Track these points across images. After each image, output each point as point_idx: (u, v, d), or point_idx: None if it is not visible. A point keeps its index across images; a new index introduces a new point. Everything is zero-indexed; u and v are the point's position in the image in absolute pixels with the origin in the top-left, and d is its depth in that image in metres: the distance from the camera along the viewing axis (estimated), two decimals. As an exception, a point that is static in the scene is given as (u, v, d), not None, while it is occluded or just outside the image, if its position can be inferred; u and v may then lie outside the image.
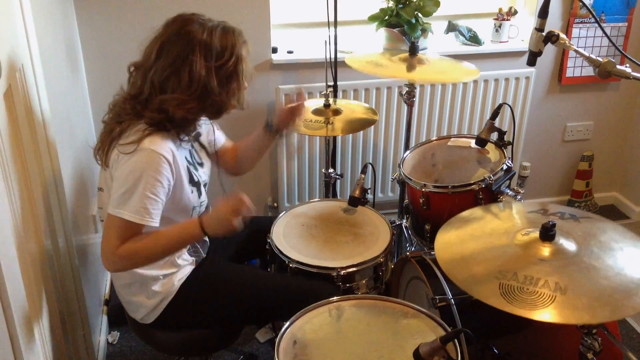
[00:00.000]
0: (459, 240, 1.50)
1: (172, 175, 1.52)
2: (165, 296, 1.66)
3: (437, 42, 2.87)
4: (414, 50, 2.25)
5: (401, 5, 2.69)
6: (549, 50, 2.66)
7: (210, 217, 1.52)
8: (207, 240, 1.83)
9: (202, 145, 1.78)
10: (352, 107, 2.38)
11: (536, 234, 1.41)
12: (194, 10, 1.58)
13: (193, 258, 1.73)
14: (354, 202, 2.02)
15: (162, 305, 1.66)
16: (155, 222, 1.49)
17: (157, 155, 1.47)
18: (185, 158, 1.64)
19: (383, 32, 2.75)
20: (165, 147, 1.50)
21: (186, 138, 1.61)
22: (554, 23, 2.87)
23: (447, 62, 2.32)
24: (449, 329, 1.39)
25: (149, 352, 2.34)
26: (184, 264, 1.70)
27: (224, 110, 1.61)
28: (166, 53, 1.51)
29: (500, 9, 2.88)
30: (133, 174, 1.46)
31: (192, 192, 1.63)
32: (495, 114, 2.10)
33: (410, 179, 2.06)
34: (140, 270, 1.63)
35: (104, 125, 1.61)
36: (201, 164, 1.74)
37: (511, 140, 2.14)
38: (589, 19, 2.88)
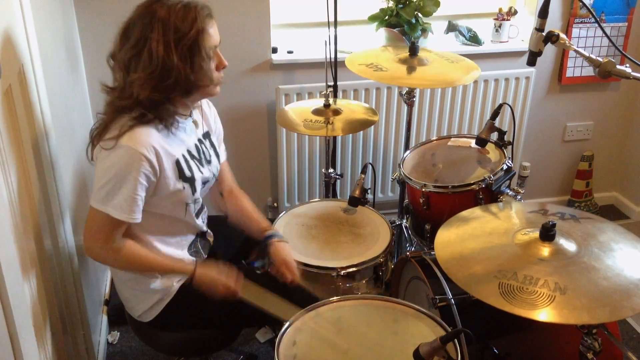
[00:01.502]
0: (459, 240, 1.50)
1: (153, 171, 1.49)
2: (164, 296, 1.66)
3: (437, 42, 2.87)
4: (414, 50, 2.26)
5: (401, 5, 2.69)
6: (549, 50, 2.66)
7: (205, 279, 1.62)
8: (210, 240, 1.84)
9: (212, 144, 1.77)
10: (352, 107, 2.39)
11: (536, 234, 1.41)
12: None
13: (194, 259, 1.73)
14: (354, 202, 2.02)
15: (161, 305, 1.66)
16: (137, 219, 1.51)
17: (135, 152, 1.45)
18: (188, 151, 1.62)
19: (383, 32, 2.75)
20: (145, 142, 1.47)
21: (176, 123, 1.56)
22: (554, 23, 2.87)
23: (447, 60, 2.32)
24: (449, 329, 1.39)
25: (149, 352, 2.34)
26: (185, 264, 1.70)
27: (194, 88, 1.54)
28: (130, 35, 1.49)
29: (500, 9, 2.88)
30: (112, 170, 1.46)
31: (183, 188, 1.59)
32: (495, 114, 2.10)
33: (410, 179, 2.06)
34: None
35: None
36: (209, 162, 1.73)
37: (511, 140, 2.15)
38: (589, 19, 2.88)
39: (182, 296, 1.67)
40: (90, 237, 1.53)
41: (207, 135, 1.75)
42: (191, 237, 1.74)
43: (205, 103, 1.79)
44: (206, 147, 1.72)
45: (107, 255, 1.56)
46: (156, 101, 1.50)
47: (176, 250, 1.68)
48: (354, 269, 1.80)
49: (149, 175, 1.49)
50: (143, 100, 1.48)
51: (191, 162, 1.63)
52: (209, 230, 1.83)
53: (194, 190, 1.63)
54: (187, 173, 1.60)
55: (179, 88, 1.52)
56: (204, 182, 1.70)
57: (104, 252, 1.55)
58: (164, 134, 1.54)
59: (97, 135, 1.51)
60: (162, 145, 1.52)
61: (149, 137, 1.49)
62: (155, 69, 1.46)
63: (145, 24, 1.47)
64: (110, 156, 1.46)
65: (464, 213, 1.63)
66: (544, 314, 1.21)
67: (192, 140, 1.66)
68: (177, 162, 1.57)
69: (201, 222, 1.75)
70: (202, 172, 1.67)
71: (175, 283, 1.67)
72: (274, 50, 2.69)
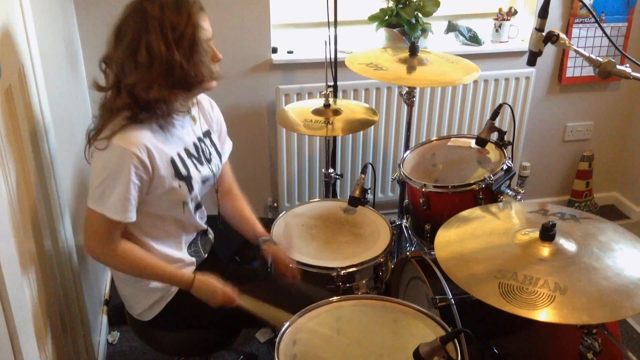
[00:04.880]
0: (459, 239, 1.50)
1: (145, 170, 1.49)
2: (164, 295, 1.66)
3: (437, 42, 2.87)
4: (414, 50, 2.25)
5: (401, 5, 2.69)
6: (549, 50, 2.66)
7: (203, 286, 1.61)
8: (210, 238, 1.83)
9: (213, 143, 1.77)
10: (352, 107, 2.39)
11: (536, 234, 1.41)
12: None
13: (194, 259, 1.73)
14: (354, 202, 2.02)
15: (161, 304, 1.66)
16: (131, 218, 1.51)
17: (126, 151, 1.45)
18: (185, 149, 1.62)
19: (383, 32, 2.75)
20: (135, 141, 1.47)
21: (172, 121, 1.57)
22: (554, 23, 2.88)
23: (447, 61, 2.32)
24: (449, 329, 1.39)
25: (149, 352, 2.34)
26: (184, 265, 1.70)
27: (195, 84, 1.55)
28: (123, 36, 1.48)
29: (500, 9, 2.88)
30: (105, 171, 1.46)
31: (179, 186, 1.59)
32: (495, 114, 2.10)
33: (411, 179, 2.06)
34: None
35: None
36: (209, 160, 1.73)
37: (511, 140, 2.15)
38: (589, 19, 2.88)
39: (183, 296, 1.67)
40: (90, 237, 1.53)
41: (207, 133, 1.75)
42: (191, 236, 1.74)
43: (208, 102, 1.79)
44: (206, 146, 1.72)
45: (108, 256, 1.56)
46: (151, 101, 1.49)
47: (175, 251, 1.68)
48: (354, 269, 1.80)
49: (141, 174, 1.49)
50: (140, 100, 1.48)
51: (187, 161, 1.63)
52: (209, 229, 1.83)
53: (190, 188, 1.63)
54: (183, 171, 1.60)
55: (182, 85, 1.53)
56: (204, 181, 1.70)
57: (104, 253, 1.55)
58: (159, 133, 1.54)
59: (93, 136, 1.52)
60: (155, 144, 1.51)
61: (141, 136, 1.49)
62: (159, 68, 1.46)
63: (139, 23, 1.46)
64: (102, 156, 1.47)
65: (464, 213, 1.63)
66: (544, 314, 1.21)
67: (191, 138, 1.66)
68: (172, 161, 1.57)
69: (199, 220, 1.75)
70: (199, 171, 1.66)
71: (175, 283, 1.67)
72: (274, 50, 2.69)
